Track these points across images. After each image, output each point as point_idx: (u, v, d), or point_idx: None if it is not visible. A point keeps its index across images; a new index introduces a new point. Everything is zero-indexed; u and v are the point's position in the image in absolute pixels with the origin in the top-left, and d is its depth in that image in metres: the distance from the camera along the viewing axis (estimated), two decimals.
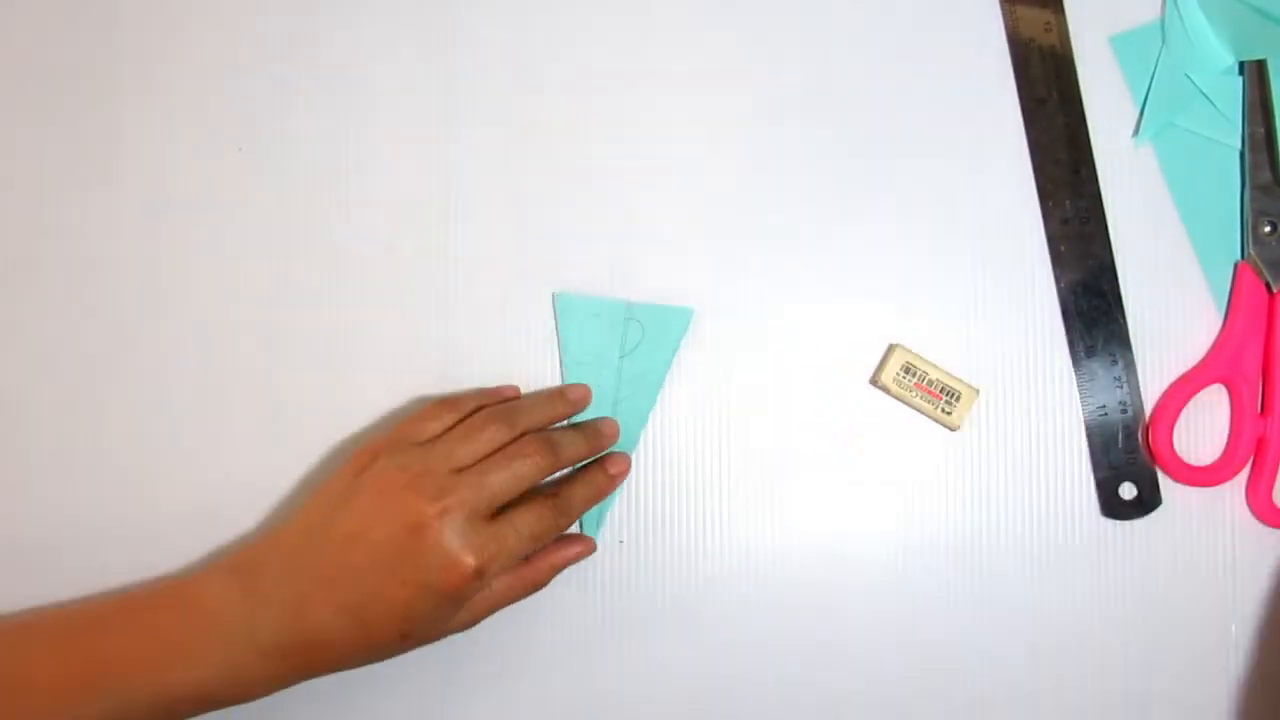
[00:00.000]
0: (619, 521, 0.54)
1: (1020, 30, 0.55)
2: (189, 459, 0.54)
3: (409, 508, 0.46)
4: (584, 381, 0.53)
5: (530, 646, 0.54)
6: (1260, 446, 0.53)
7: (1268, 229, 0.54)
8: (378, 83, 0.55)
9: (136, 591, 0.50)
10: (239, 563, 0.48)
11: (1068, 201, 0.54)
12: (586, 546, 0.52)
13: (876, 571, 0.54)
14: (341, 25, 0.55)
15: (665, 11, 0.55)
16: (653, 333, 0.54)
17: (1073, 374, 0.54)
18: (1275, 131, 0.54)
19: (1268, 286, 0.53)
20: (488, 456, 0.48)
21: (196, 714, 0.47)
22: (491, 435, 0.49)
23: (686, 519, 0.54)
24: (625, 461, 0.53)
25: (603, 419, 0.53)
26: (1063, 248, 0.54)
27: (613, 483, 0.52)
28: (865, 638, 0.53)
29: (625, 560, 0.54)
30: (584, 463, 0.53)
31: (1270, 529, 0.53)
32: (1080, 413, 0.54)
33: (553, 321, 0.54)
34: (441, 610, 0.47)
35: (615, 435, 0.53)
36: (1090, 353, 0.54)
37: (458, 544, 0.46)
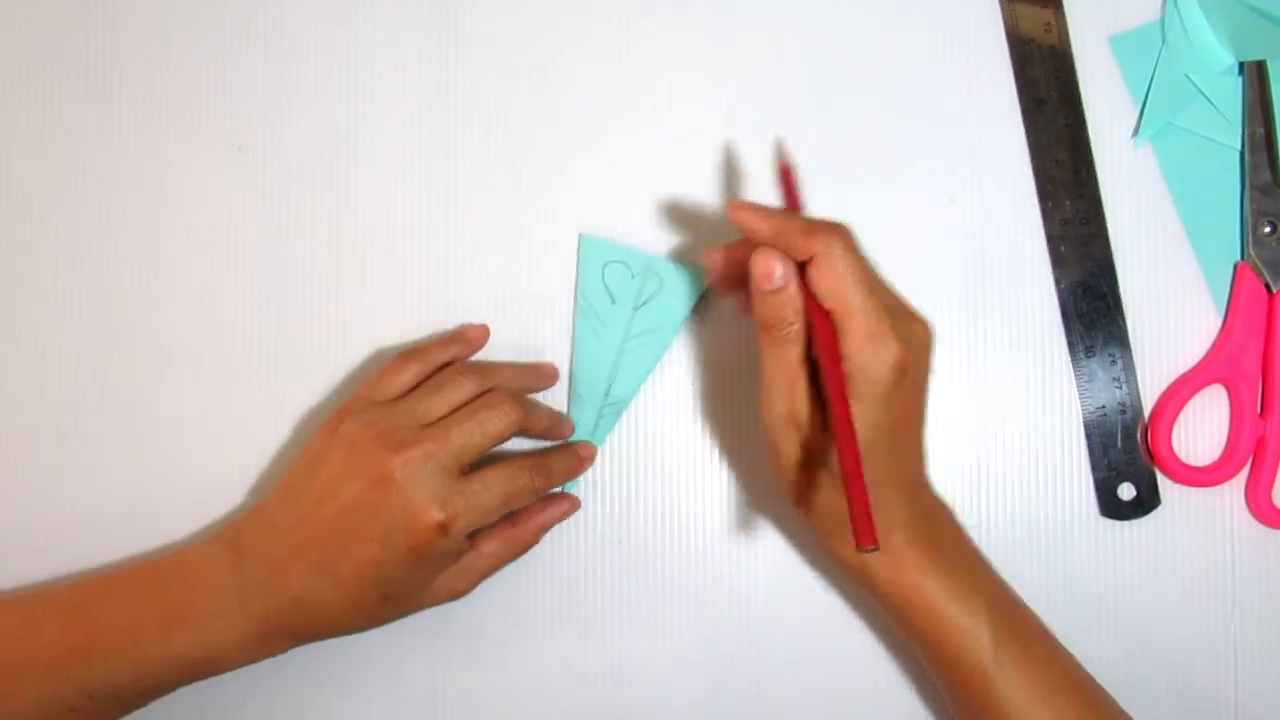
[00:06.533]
0: (618, 521, 0.54)
1: (1020, 30, 0.55)
2: (186, 459, 0.54)
3: (374, 462, 0.46)
4: (593, 328, 0.53)
5: (528, 649, 0.54)
6: (1260, 447, 0.53)
7: (1268, 229, 0.54)
8: (378, 82, 0.55)
9: (127, 565, 0.50)
10: (224, 532, 0.49)
11: (1068, 202, 0.54)
12: (572, 504, 0.53)
13: None
14: (341, 25, 0.55)
15: (664, 8, 0.55)
16: (670, 288, 0.53)
17: (1072, 374, 0.54)
18: (1275, 132, 0.54)
19: (1267, 287, 0.53)
20: (455, 411, 0.48)
21: (185, 681, 0.48)
22: (462, 386, 0.49)
23: (687, 521, 0.54)
24: (593, 450, 0.53)
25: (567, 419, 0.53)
26: (1063, 248, 0.54)
27: (581, 465, 0.52)
28: (863, 634, 0.54)
29: (625, 561, 0.54)
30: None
31: (1270, 529, 0.53)
32: (1080, 413, 0.54)
33: (553, 320, 0.54)
34: (413, 569, 0.46)
35: (572, 431, 0.53)
36: (1090, 353, 0.54)
37: (421, 496, 0.45)
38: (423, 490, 0.45)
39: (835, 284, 0.44)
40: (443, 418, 0.48)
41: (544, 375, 0.53)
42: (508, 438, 0.48)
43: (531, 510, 0.51)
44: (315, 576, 0.46)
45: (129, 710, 0.49)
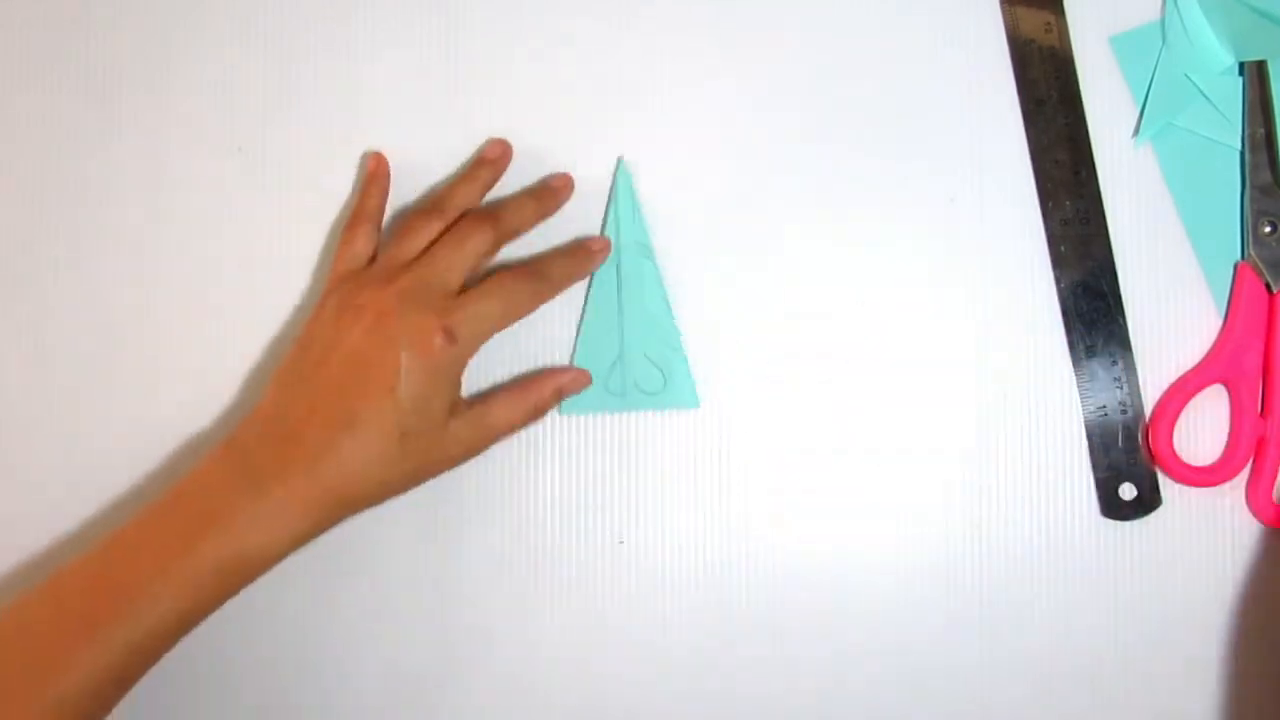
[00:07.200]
0: (618, 521, 0.54)
1: (1020, 31, 0.55)
2: (187, 460, 0.54)
3: (365, 304, 0.48)
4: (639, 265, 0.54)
5: (530, 649, 0.54)
6: (1260, 447, 0.53)
7: (1268, 229, 0.54)
8: (378, 82, 0.55)
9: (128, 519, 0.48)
10: (221, 440, 0.48)
11: (1068, 202, 0.54)
12: (581, 374, 0.53)
13: (875, 567, 0.54)
14: (341, 25, 0.55)
15: (664, 7, 0.55)
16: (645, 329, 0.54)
17: (1073, 374, 0.54)
18: (1275, 131, 0.54)
19: (1268, 287, 0.53)
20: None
21: (229, 590, 0.47)
22: (428, 225, 0.50)
23: (687, 521, 0.54)
24: (605, 242, 0.53)
25: (553, 175, 0.53)
26: (1063, 248, 0.54)
27: (592, 259, 0.53)
28: (866, 632, 0.54)
29: (625, 562, 0.54)
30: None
31: (1270, 529, 0.53)
32: (1080, 413, 0.54)
33: (556, 326, 0.54)
34: (427, 387, 0.47)
35: (569, 187, 0.53)
36: (1090, 353, 0.54)
37: (420, 309, 0.47)
38: (420, 305, 0.47)
39: None
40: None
41: (551, 190, 0.53)
42: (491, 253, 0.50)
43: (542, 375, 0.52)
44: (329, 432, 0.46)
45: (182, 637, 0.47)
